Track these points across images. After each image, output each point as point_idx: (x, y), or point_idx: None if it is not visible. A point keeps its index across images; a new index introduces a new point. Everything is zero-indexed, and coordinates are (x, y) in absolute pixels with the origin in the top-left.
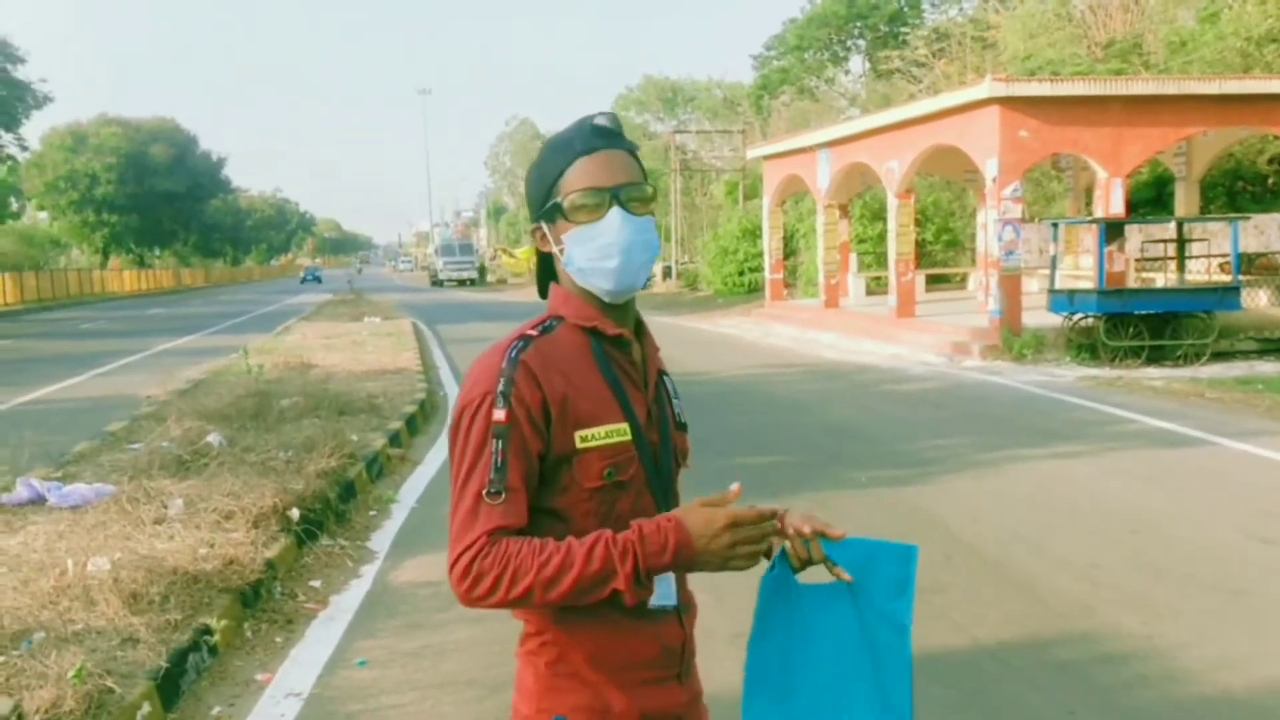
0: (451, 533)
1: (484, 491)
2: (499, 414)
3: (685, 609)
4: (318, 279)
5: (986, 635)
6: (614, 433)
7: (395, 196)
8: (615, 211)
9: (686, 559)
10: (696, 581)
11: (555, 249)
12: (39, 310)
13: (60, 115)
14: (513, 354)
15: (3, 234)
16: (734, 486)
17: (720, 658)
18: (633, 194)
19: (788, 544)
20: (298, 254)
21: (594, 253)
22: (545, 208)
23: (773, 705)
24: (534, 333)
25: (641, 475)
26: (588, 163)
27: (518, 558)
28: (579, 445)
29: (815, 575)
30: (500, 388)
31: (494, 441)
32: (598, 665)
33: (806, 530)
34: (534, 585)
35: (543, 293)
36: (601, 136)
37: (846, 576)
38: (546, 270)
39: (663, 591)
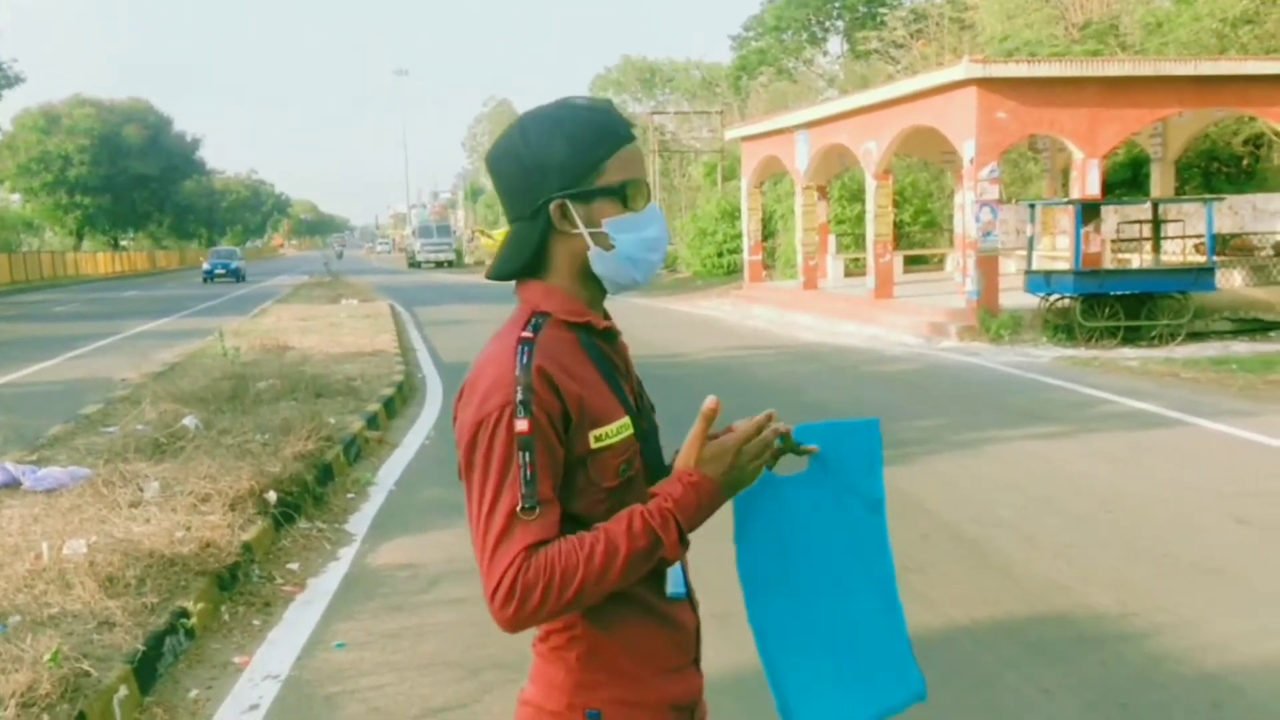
0: (483, 558)
1: (518, 509)
2: (521, 425)
3: (692, 592)
4: (234, 273)
5: (963, 614)
6: (622, 428)
7: (373, 178)
8: (655, 205)
9: (719, 503)
10: None
11: (582, 230)
12: (11, 293)
13: (33, 96)
14: (524, 360)
15: None
16: (710, 400)
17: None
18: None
19: None
20: (273, 235)
21: (642, 244)
22: (584, 188)
23: (777, 599)
24: (530, 334)
25: (643, 466)
26: (631, 151)
27: (562, 559)
28: (594, 446)
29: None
30: (519, 397)
31: (521, 454)
32: (632, 656)
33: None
34: (586, 580)
35: (509, 275)
36: (629, 126)
37: (813, 448)
38: (541, 253)
39: (675, 579)
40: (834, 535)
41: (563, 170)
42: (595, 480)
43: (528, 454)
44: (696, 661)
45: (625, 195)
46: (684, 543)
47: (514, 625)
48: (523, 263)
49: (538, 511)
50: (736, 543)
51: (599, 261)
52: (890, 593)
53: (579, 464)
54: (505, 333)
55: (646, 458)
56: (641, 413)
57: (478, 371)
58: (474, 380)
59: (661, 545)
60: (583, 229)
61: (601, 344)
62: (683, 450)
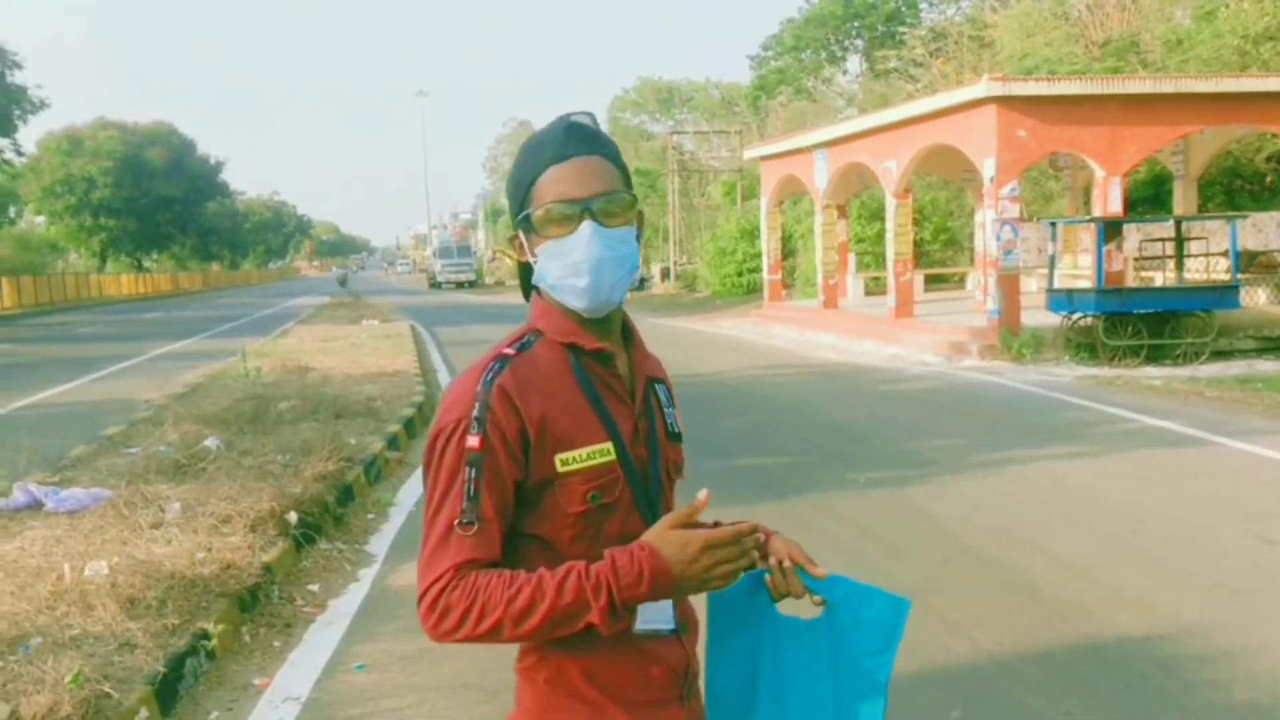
0: (420, 564)
1: (456, 521)
2: (472, 441)
3: (684, 628)
4: None
5: (984, 636)
6: (596, 453)
7: (394, 199)
8: (586, 226)
9: (664, 587)
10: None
11: (531, 259)
12: (36, 314)
13: (57, 119)
14: (488, 377)
15: (0, 239)
16: (701, 494)
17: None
18: (608, 205)
19: (770, 569)
20: (295, 256)
21: (564, 270)
22: (519, 217)
23: None
24: (511, 351)
25: (628, 494)
26: (559, 171)
27: (486, 590)
28: (560, 469)
29: (795, 608)
30: (475, 413)
31: (467, 470)
32: (596, 683)
33: (787, 562)
34: (503, 619)
35: (527, 295)
36: (575, 141)
37: (820, 599)
38: (528, 278)
39: (655, 616)
40: (818, 700)
41: (513, 198)
42: (562, 504)
43: (473, 470)
44: (682, 697)
45: (546, 221)
46: (614, 614)
47: (435, 637)
48: (524, 287)
49: (476, 528)
50: (707, 655)
51: (544, 289)
52: None
53: (545, 486)
54: (495, 348)
55: (636, 489)
56: (639, 439)
57: (452, 384)
58: (447, 391)
59: (589, 610)
60: (529, 257)
61: (595, 365)
62: (655, 525)
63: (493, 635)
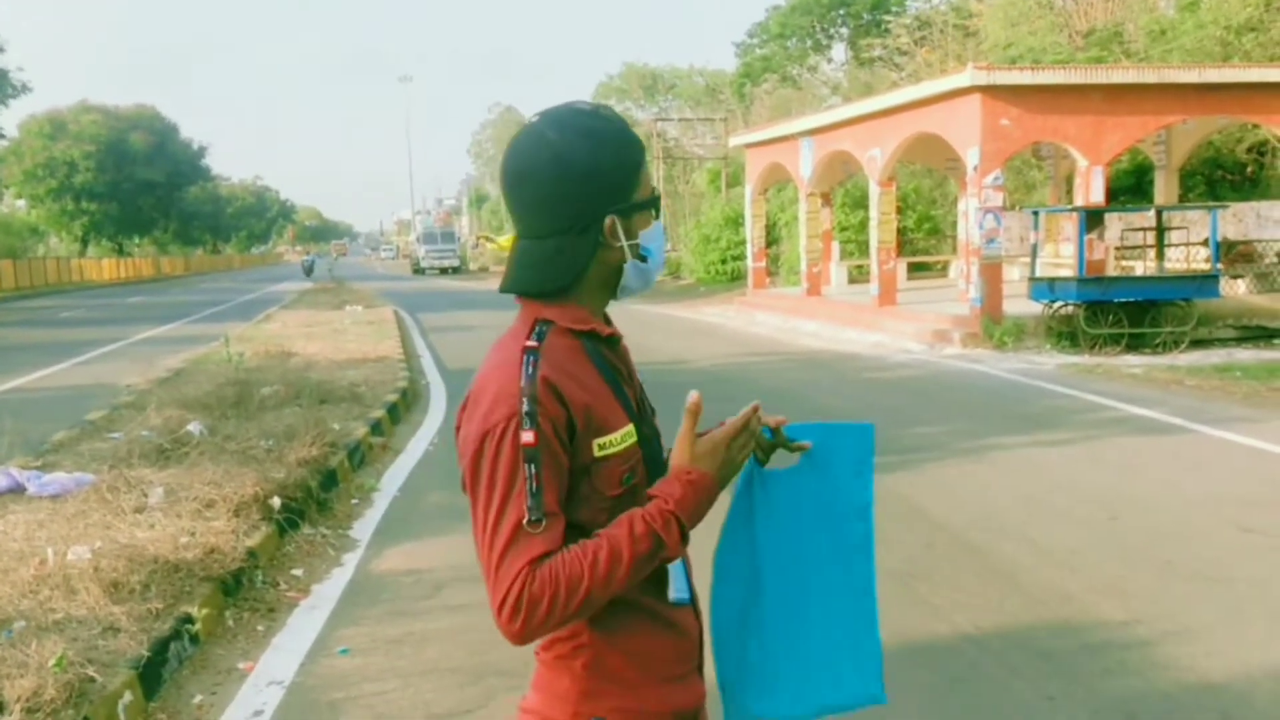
0: (490, 569)
1: (524, 521)
2: (527, 436)
3: (696, 599)
4: None
5: (967, 621)
6: (626, 436)
7: (377, 185)
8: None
9: (714, 496)
10: None
11: (624, 244)
12: (17, 299)
13: (39, 103)
14: (530, 370)
15: None
16: (692, 395)
17: None
18: None
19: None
20: (278, 241)
21: (662, 251)
22: (633, 202)
23: (738, 589)
24: (534, 344)
25: (645, 473)
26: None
27: (566, 569)
28: (597, 454)
29: (776, 462)
30: (525, 408)
31: (527, 466)
32: (637, 664)
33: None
34: (592, 588)
35: (553, 292)
36: None
37: (806, 445)
38: (584, 266)
39: (679, 584)
40: (812, 534)
41: (612, 184)
42: (599, 489)
43: (533, 466)
44: (699, 668)
45: (658, 206)
46: (685, 540)
47: (521, 639)
48: (571, 278)
49: (544, 525)
50: (723, 532)
51: (634, 272)
52: (867, 597)
53: (582, 472)
54: (508, 341)
55: (648, 463)
56: (644, 418)
57: (482, 383)
58: (478, 391)
59: (664, 547)
60: (624, 242)
61: (606, 351)
62: (675, 448)
63: (581, 610)
